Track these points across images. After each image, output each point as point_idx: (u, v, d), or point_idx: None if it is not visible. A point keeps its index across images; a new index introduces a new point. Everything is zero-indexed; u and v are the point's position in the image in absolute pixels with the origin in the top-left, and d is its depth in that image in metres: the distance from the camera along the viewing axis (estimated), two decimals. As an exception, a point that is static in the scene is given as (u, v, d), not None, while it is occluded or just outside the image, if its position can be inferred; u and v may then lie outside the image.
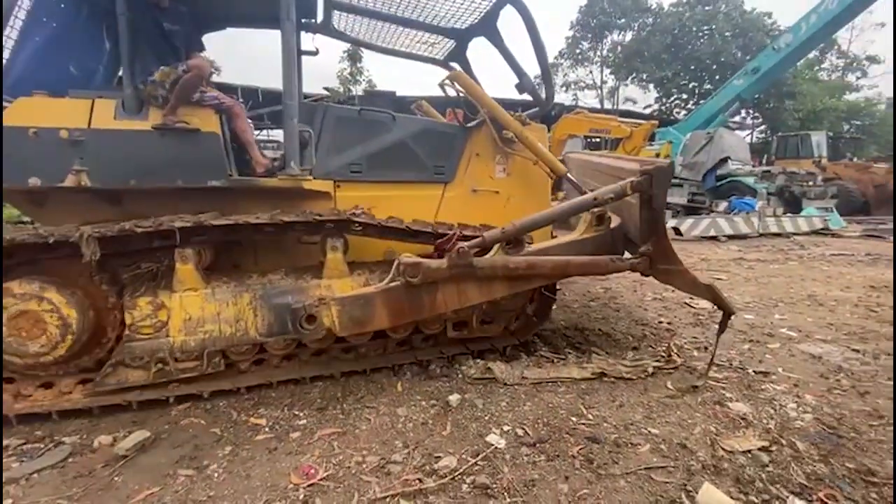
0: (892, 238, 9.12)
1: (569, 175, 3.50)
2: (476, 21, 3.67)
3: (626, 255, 2.92)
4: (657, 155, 12.49)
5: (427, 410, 2.51)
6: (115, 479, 1.99)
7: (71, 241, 2.27)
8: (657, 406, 2.52)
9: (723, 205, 11.07)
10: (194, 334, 2.58)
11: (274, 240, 2.86)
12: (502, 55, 3.82)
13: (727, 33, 24.51)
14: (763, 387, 2.75)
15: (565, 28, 30.50)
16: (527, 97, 3.78)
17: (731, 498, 1.78)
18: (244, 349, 2.74)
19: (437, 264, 2.58)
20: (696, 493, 1.80)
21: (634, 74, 28.87)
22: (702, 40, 25.52)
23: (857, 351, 3.32)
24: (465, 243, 2.61)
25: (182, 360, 2.61)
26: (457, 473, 1.96)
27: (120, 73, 3.24)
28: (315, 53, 3.68)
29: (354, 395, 2.69)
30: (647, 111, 27.05)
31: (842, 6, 12.29)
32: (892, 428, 2.30)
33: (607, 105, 29.94)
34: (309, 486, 1.90)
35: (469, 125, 3.49)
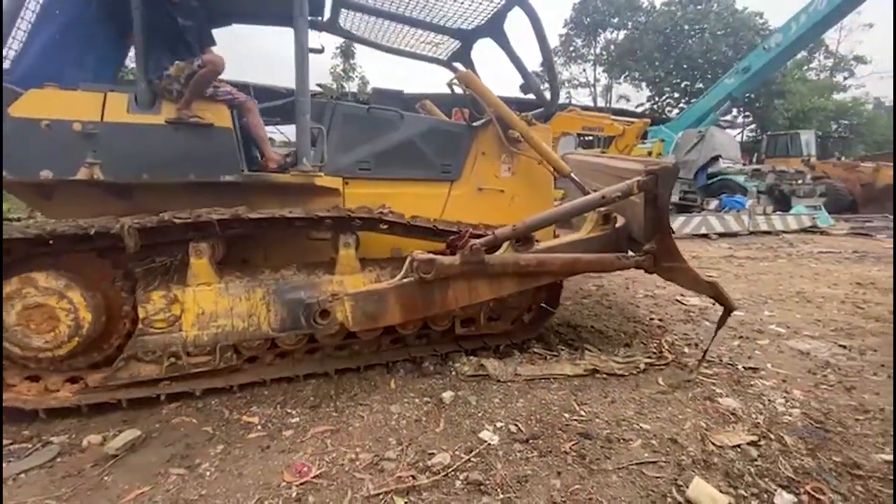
0: (878, 236, 9.27)
1: (572, 175, 3.52)
2: (483, 22, 3.68)
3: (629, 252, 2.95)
4: (649, 153, 12.58)
5: (420, 407, 2.52)
6: (105, 478, 1.97)
7: (112, 232, 2.29)
8: (649, 402, 2.55)
9: (714, 203, 11.18)
10: (207, 329, 2.58)
11: (284, 235, 2.85)
12: (508, 56, 3.84)
13: (719, 32, 24.68)
14: (752, 382, 2.78)
15: (559, 26, 30.44)
16: (523, 97, 3.80)
17: (721, 492, 1.80)
18: (256, 344, 2.76)
19: (450, 261, 2.62)
20: (687, 487, 1.83)
21: (627, 73, 28.98)
22: (693, 39, 25.67)
23: (844, 347, 3.37)
24: (477, 240, 2.64)
25: (195, 355, 2.62)
26: (450, 470, 1.96)
27: (123, 66, 3.22)
28: (321, 51, 3.68)
29: (347, 393, 2.69)
30: (640, 110, 27.19)
31: (831, 6, 12.43)
32: (877, 422, 2.34)
33: (600, 103, 30.06)
34: (302, 483, 1.89)
35: (475, 124, 3.51)
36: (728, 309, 2.88)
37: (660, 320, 4.01)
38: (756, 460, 2.02)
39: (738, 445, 2.12)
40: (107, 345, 2.62)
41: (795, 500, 1.78)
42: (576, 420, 2.37)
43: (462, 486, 1.88)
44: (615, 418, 2.38)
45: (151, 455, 2.13)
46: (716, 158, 12.64)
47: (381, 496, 1.82)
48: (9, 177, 2.44)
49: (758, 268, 6.29)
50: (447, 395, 2.60)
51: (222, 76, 2.85)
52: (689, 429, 2.28)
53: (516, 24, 3.72)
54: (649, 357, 3.09)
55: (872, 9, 26.62)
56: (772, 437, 2.20)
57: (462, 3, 3.43)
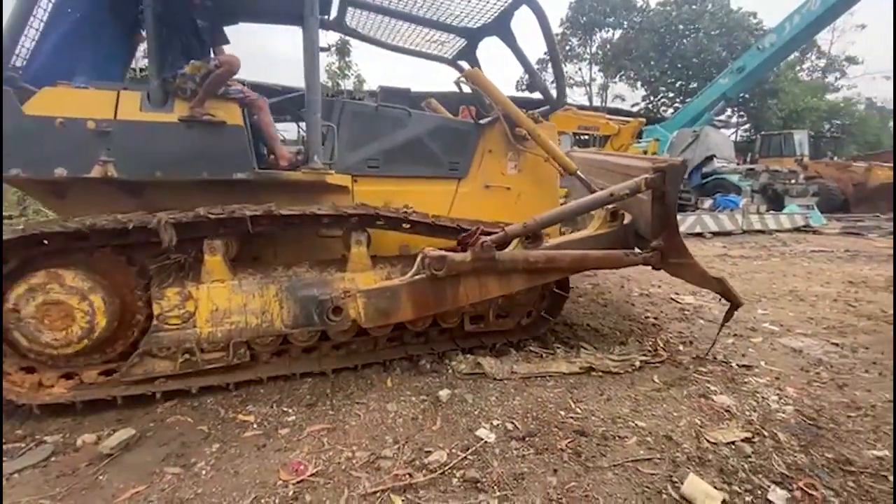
0: (870, 235, 9.37)
1: (578, 172, 3.54)
2: (489, 21, 3.69)
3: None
4: (644, 152, 12.63)
5: (417, 406, 2.52)
6: (100, 477, 1.96)
7: (149, 227, 2.33)
8: (644, 399, 2.57)
9: (708, 202, 11.25)
10: (221, 325, 2.61)
11: (296, 233, 2.87)
12: (514, 54, 3.86)
13: (713, 32, 24.81)
14: (746, 380, 2.81)
15: (555, 25, 30.46)
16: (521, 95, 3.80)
17: (715, 488, 1.82)
18: (269, 341, 2.78)
19: (461, 257, 2.64)
20: (682, 484, 1.84)
21: (623, 72, 29.05)
22: (688, 39, 25.79)
23: (836, 345, 3.41)
24: (488, 237, 2.67)
25: (208, 351, 2.63)
26: (447, 468, 1.97)
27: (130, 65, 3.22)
28: (327, 50, 3.68)
29: (344, 391, 2.69)
30: (635, 109, 27.29)
31: (824, 7, 12.54)
32: (868, 419, 2.37)
33: (596, 102, 30.12)
34: (298, 482, 1.89)
35: (482, 122, 3.52)
36: (735, 305, 2.93)
37: (655, 318, 4.03)
38: (750, 457, 2.04)
39: (733, 442, 2.14)
40: (110, 349, 2.62)
41: (789, 495, 1.80)
42: (572, 418, 2.38)
43: (459, 484, 1.88)
44: (611, 416, 2.39)
45: (146, 454, 2.12)
46: (710, 158, 12.73)
47: (377, 494, 1.82)
48: (23, 174, 2.44)
49: (751, 266, 6.34)
50: (444, 394, 2.60)
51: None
52: (683, 426, 2.30)
53: (515, 23, 3.73)
54: (644, 355, 3.11)
55: (865, 10, 26.86)
56: (765, 433, 2.22)
57: (469, 1, 3.43)
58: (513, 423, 2.33)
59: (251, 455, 2.10)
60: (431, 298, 2.66)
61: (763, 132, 19.56)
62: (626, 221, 3.03)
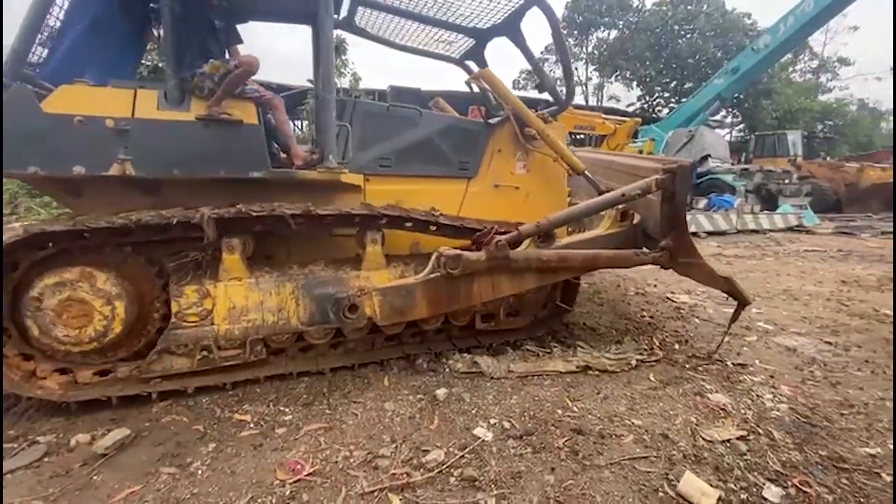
0: (862, 235, 9.46)
1: (586, 173, 3.56)
2: (499, 21, 3.69)
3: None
4: (640, 152, 12.68)
5: (414, 405, 2.52)
6: (94, 478, 1.94)
7: (193, 222, 2.38)
8: (640, 398, 2.58)
9: (703, 202, 11.32)
10: (238, 323, 2.63)
11: (309, 231, 2.88)
12: (524, 55, 3.88)
13: (708, 33, 24.94)
14: (741, 378, 2.83)
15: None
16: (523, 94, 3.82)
17: (711, 486, 1.83)
18: (285, 338, 2.80)
19: (476, 256, 2.68)
20: (678, 481, 1.85)
21: (618, 72, 29.17)
22: (683, 39, 25.91)
23: (830, 343, 3.44)
24: (502, 236, 2.69)
25: (225, 348, 2.65)
26: (444, 466, 1.97)
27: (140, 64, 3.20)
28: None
29: (341, 391, 2.68)
30: (631, 109, 27.40)
31: (818, 8, 12.64)
32: (861, 417, 2.40)
33: (592, 102, 30.21)
34: (295, 481, 1.88)
35: (492, 122, 3.54)
36: (743, 303, 2.99)
37: (651, 317, 4.05)
38: (745, 454, 2.06)
39: (728, 440, 2.16)
40: (112, 354, 2.60)
41: (783, 493, 1.82)
42: (568, 416, 2.39)
43: (456, 483, 1.88)
44: (607, 414, 2.40)
45: (142, 454, 2.11)
46: (705, 158, 12.81)
47: (375, 493, 1.81)
48: (42, 172, 2.43)
49: (746, 266, 6.39)
50: (441, 393, 2.60)
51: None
52: (679, 424, 2.31)
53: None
54: (640, 354, 3.13)
55: (858, 12, 27.11)
56: (760, 431, 2.24)
57: (480, 2, 3.43)
58: (510, 421, 2.33)
59: (248, 455, 2.09)
60: (446, 296, 2.72)
61: (757, 132, 19.72)
62: (635, 221, 3.07)
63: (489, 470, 1.95)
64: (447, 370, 2.90)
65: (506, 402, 2.53)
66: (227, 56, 2.99)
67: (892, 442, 2.16)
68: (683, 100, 19.86)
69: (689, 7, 26.03)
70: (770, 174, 12.88)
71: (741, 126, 27.85)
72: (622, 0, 27.96)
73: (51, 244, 2.39)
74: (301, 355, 2.91)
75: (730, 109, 26.60)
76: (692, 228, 9.46)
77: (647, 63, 26.79)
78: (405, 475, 1.92)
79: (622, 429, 2.27)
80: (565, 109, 3.92)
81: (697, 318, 4.05)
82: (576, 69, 32.34)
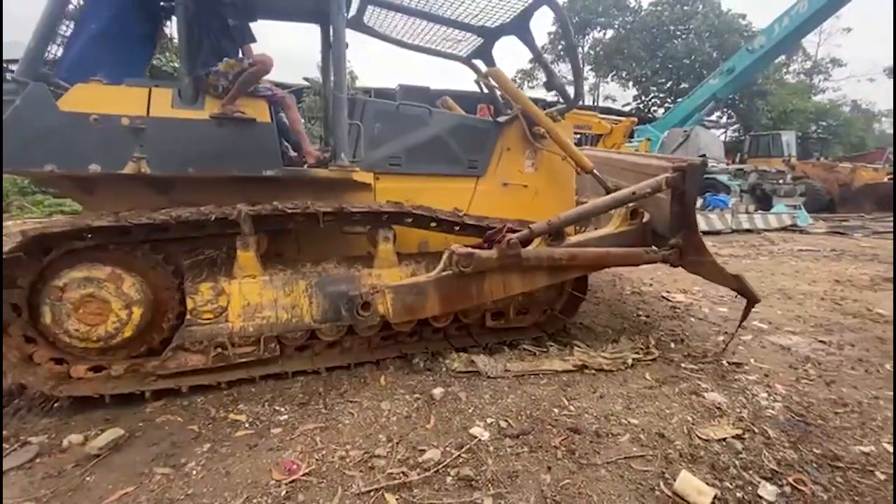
0: (855, 235, 9.54)
1: (595, 171, 3.57)
2: (507, 20, 3.70)
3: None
4: (636, 151, 12.72)
5: (411, 404, 2.51)
6: (87, 479, 1.92)
7: (231, 219, 2.44)
8: (636, 397, 2.58)
9: (698, 201, 11.37)
10: (252, 320, 2.65)
11: (320, 229, 2.89)
12: (532, 54, 3.90)
13: (704, 34, 25.04)
14: (736, 377, 2.84)
15: (548, 23, 30.51)
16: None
17: (707, 484, 1.84)
18: (298, 335, 2.83)
19: (488, 254, 2.69)
20: (674, 480, 1.86)
21: (615, 72, 29.22)
22: (679, 40, 25.99)
23: (824, 342, 3.47)
24: (514, 235, 2.71)
25: (240, 345, 2.67)
26: (441, 466, 1.96)
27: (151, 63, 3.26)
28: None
29: (337, 390, 2.67)
30: (626, 108, 27.48)
31: (812, 9, 12.71)
32: (855, 415, 2.41)
33: (588, 101, 30.25)
34: (291, 481, 1.87)
35: (500, 120, 3.55)
36: (752, 301, 3.02)
37: (646, 317, 4.06)
38: (741, 453, 2.07)
39: (724, 439, 2.17)
40: (110, 354, 2.59)
41: (779, 491, 1.83)
42: (565, 415, 2.39)
43: (453, 482, 1.88)
44: (604, 413, 2.40)
45: (135, 454, 2.08)
46: (701, 158, 12.85)
47: (371, 493, 1.81)
48: (58, 170, 2.44)
49: (740, 265, 6.42)
50: (437, 392, 2.60)
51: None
52: (675, 423, 2.32)
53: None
54: (637, 353, 3.13)
55: (851, 13, 27.34)
56: (756, 430, 2.25)
57: (489, 1, 3.43)
58: (507, 421, 2.33)
59: (243, 455, 2.07)
60: (457, 294, 2.73)
61: (752, 132, 19.82)
62: (645, 220, 3.09)
63: (486, 469, 1.95)
64: (444, 369, 2.89)
65: (502, 402, 2.53)
66: (240, 55, 3.01)
67: (886, 440, 2.18)
68: (679, 100, 19.90)
69: (686, 7, 26.12)
70: (765, 174, 12.96)
71: (736, 126, 27.98)
72: (619, 0, 28.02)
73: (89, 236, 2.42)
74: (297, 354, 2.89)
75: (725, 110, 26.72)
76: (687, 228, 9.53)
77: (643, 63, 26.83)
78: (402, 475, 1.91)
79: (618, 428, 2.27)
80: (574, 108, 3.93)
81: (693, 317, 4.07)
82: (570, 70, 32.46)
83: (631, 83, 29.22)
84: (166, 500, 1.79)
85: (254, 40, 3.23)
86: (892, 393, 2.64)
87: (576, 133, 11.81)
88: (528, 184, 3.56)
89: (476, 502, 1.77)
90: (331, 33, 2.93)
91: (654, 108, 28.03)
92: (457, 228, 2.93)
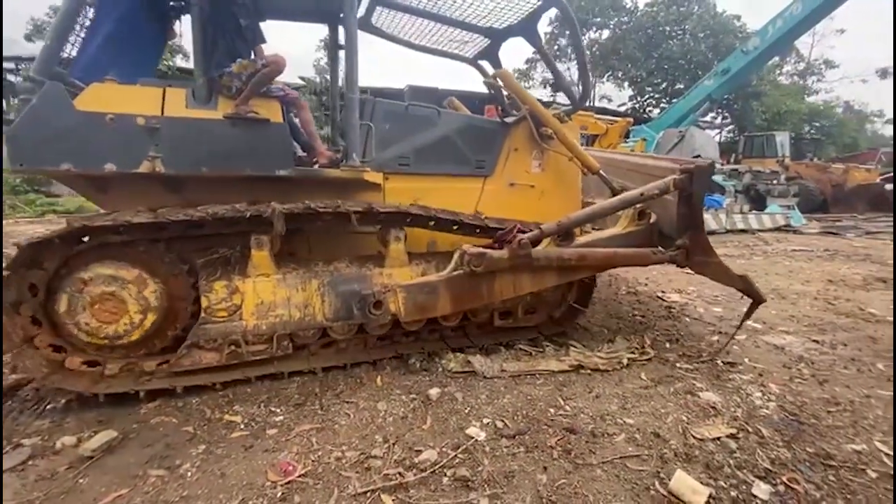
0: (847, 235, 9.62)
1: (601, 172, 3.60)
2: (515, 22, 3.71)
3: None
4: (632, 151, 12.77)
5: (407, 404, 2.51)
6: (80, 481, 1.90)
7: (265, 216, 2.49)
8: (632, 396, 2.59)
9: (693, 202, 11.42)
10: (266, 318, 2.68)
11: (330, 229, 2.92)
12: (540, 55, 3.96)
13: (700, 34, 25.17)
14: (731, 377, 2.86)
15: (544, 24, 30.57)
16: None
17: (702, 484, 1.85)
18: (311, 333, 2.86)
19: (499, 254, 2.71)
20: (669, 480, 1.86)
21: (610, 72, 29.31)
22: (674, 40, 26.12)
23: (817, 342, 3.49)
24: (524, 235, 2.74)
25: (253, 343, 2.70)
26: (437, 466, 1.96)
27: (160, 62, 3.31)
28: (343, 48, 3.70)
29: (333, 391, 2.66)
30: (622, 109, 27.57)
31: (806, 11, 12.80)
32: (847, 414, 2.43)
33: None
34: (287, 483, 1.86)
35: (508, 121, 3.57)
36: (757, 301, 3.06)
37: (642, 316, 4.08)
38: (735, 452, 2.08)
39: (718, 438, 2.18)
40: (108, 352, 2.58)
41: (772, 490, 1.84)
42: (561, 415, 2.39)
43: (449, 483, 1.88)
44: (599, 413, 2.41)
45: (129, 456, 2.07)
46: (696, 158, 12.92)
47: (367, 494, 1.80)
48: (74, 169, 2.46)
49: (735, 265, 6.37)
50: (434, 392, 2.60)
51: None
52: (671, 423, 2.33)
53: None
54: (632, 353, 3.15)
55: (844, 15, 27.59)
56: (750, 429, 2.26)
57: (497, 2, 3.44)
58: (503, 421, 2.34)
59: (238, 456, 2.06)
60: (468, 294, 2.77)
61: (746, 133, 19.97)
62: (652, 220, 3.12)
63: (482, 470, 1.95)
64: (440, 370, 2.89)
65: (499, 402, 2.53)
66: (252, 55, 3.03)
67: (877, 438, 2.20)
68: (674, 100, 20.01)
69: (681, 9, 26.24)
70: (759, 174, 13.07)
71: (731, 127, 28.16)
72: (615, 0, 28.10)
73: (122, 231, 2.46)
74: (293, 354, 2.88)
75: (719, 110, 26.89)
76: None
77: (639, 63, 26.93)
78: (398, 475, 1.91)
79: (614, 427, 2.28)
80: (580, 109, 3.98)
81: (688, 316, 4.09)
82: (567, 69, 32.58)
83: (627, 83, 29.33)
84: (161, 502, 1.78)
85: (265, 41, 3.25)
86: (883, 392, 2.67)
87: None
88: (534, 184, 3.59)
89: (472, 503, 1.77)
90: (340, 34, 3.00)
91: (650, 108, 28.15)
92: (478, 231, 2.99)
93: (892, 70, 30.01)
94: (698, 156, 12.89)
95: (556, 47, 31.11)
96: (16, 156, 2.39)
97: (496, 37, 3.98)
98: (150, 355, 2.64)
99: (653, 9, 26.86)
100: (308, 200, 2.68)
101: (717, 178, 12.59)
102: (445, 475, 1.92)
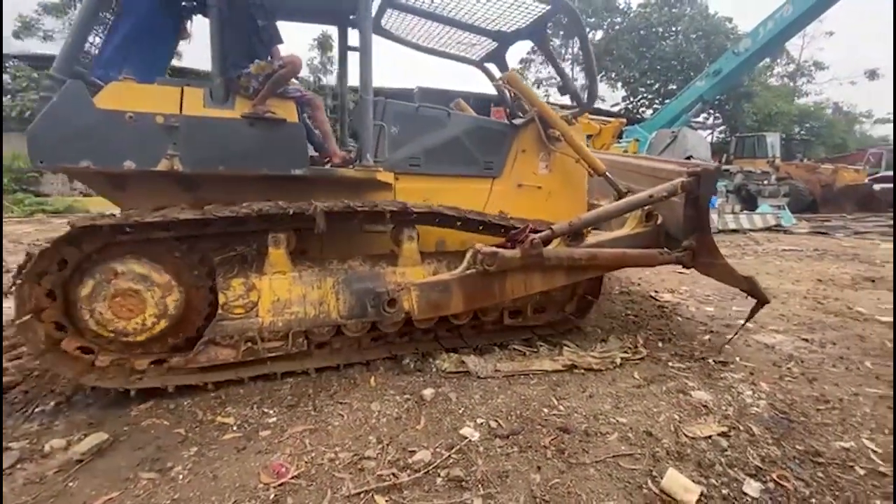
0: (836, 234, 9.75)
1: (607, 174, 3.63)
2: (523, 26, 3.73)
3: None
4: (625, 151, 12.85)
5: (401, 405, 2.50)
6: (70, 484, 1.88)
7: (307, 214, 2.56)
8: (625, 396, 2.61)
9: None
10: (282, 315, 2.71)
11: (345, 227, 2.94)
12: (547, 58, 4.08)
13: (692, 35, 25.37)
14: (722, 375, 2.89)
15: (537, 24, 30.64)
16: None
17: (694, 482, 1.86)
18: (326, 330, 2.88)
19: (512, 254, 2.76)
20: (662, 478, 1.88)
21: (604, 73, 29.47)
22: (667, 41, 26.31)
23: (807, 340, 3.54)
24: (536, 235, 2.78)
25: (269, 340, 2.73)
26: (431, 467, 1.96)
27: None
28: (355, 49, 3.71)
29: (326, 391, 2.65)
30: (615, 109, 27.73)
31: (797, 13, 12.96)
32: (836, 412, 2.47)
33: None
34: (280, 485, 1.85)
35: (516, 122, 3.60)
36: (761, 302, 3.12)
37: (635, 316, 4.11)
38: (726, 450, 2.10)
39: (710, 436, 2.20)
40: (106, 344, 2.57)
41: (763, 487, 1.86)
42: (555, 415, 2.40)
43: (443, 483, 1.88)
44: (593, 412, 2.43)
45: (120, 459, 2.05)
46: (688, 158, 13.02)
47: (361, 495, 1.80)
48: (94, 166, 2.49)
49: (726, 265, 6.52)
50: (428, 392, 2.59)
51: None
52: (663, 421, 2.35)
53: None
54: (625, 352, 3.17)
55: (833, 17, 27.97)
56: (741, 427, 2.29)
57: (506, 6, 3.46)
58: (497, 421, 2.34)
59: (230, 458, 2.05)
60: (480, 292, 2.81)
61: (738, 134, 20.17)
62: (658, 222, 3.18)
63: (476, 470, 1.95)
64: (434, 370, 2.89)
65: (493, 402, 2.53)
66: (269, 56, 3.05)
67: (865, 436, 2.23)
68: (667, 101, 20.17)
69: (674, 10, 26.44)
70: (750, 175, 13.21)
71: (722, 128, 28.44)
72: (608, 1, 28.24)
73: (170, 229, 2.52)
74: (301, 353, 2.89)
75: (711, 111, 27.14)
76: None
77: (632, 64, 27.13)
78: (392, 476, 1.90)
79: (607, 427, 2.30)
80: (586, 111, 4.04)
81: (680, 316, 4.13)
82: (562, 69, 32.62)
83: (620, 84, 29.51)
84: (152, 505, 1.76)
85: (281, 41, 3.26)
86: (871, 389, 2.71)
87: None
88: (542, 185, 3.64)
89: (466, 503, 1.77)
90: (349, 35, 3.10)
91: (643, 108, 28.33)
92: (502, 231, 3.03)
93: (880, 72, 30.48)
94: (690, 156, 12.99)
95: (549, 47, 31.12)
96: (36, 153, 2.42)
97: (504, 40, 4.01)
98: (144, 355, 2.63)
99: (646, 10, 27.05)
100: (314, 200, 2.70)
101: (709, 178, 12.66)
102: (439, 475, 1.92)
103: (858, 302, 4.56)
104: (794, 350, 3.35)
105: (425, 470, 1.94)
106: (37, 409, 2.43)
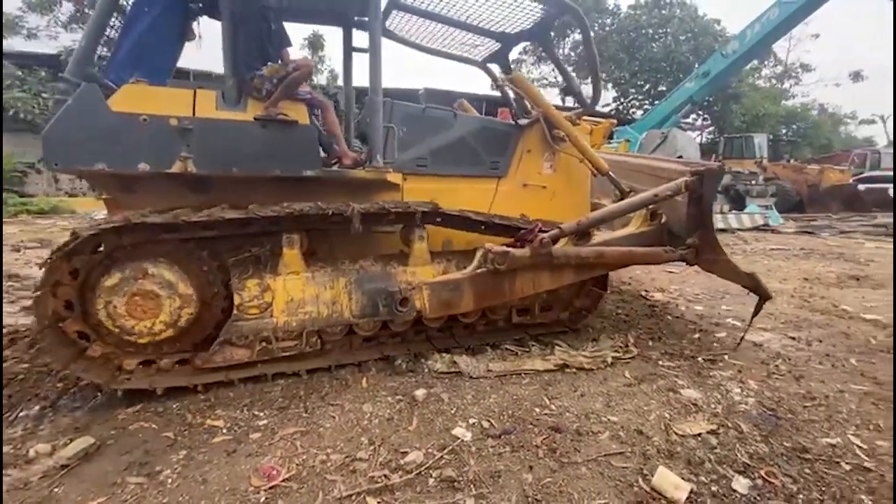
0: (822, 234, 9.91)
1: (610, 174, 3.66)
2: (528, 27, 3.75)
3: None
4: (615, 152, 12.95)
5: (393, 406, 2.50)
6: (55, 490, 1.85)
7: (345, 215, 2.60)
8: (616, 395, 2.63)
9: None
10: (296, 315, 2.74)
11: (353, 228, 2.93)
12: (551, 60, 4.12)
13: (681, 37, 25.64)
14: (711, 374, 2.92)
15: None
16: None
17: (684, 479, 1.88)
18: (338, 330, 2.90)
19: (521, 253, 2.79)
20: (652, 476, 1.89)
21: (594, 74, 29.64)
22: (657, 43, 26.55)
23: (793, 338, 3.59)
24: (545, 234, 2.83)
25: (283, 340, 2.75)
26: (423, 468, 1.96)
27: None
28: (366, 50, 3.69)
29: (318, 393, 2.63)
30: (606, 110, 27.92)
31: (783, 16, 13.15)
32: (822, 408, 2.51)
33: (568, 102, 30.63)
34: (270, 488, 1.84)
35: (522, 123, 3.63)
36: (764, 298, 3.20)
37: (626, 315, 4.14)
38: (715, 448, 2.12)
39: (699, 434, 2.22)
40: (105, 337, 2.56)
41: (751, 484, 1.88)
42: (546, 414, 2.41)
43: (435, 484, 1.88)
44: (584, 411, 2.44)
45: (107, 464, 2.02)
46: (678, 159, 13.17)
47: (353, 497, 1.79)
48: (108, 168, 2.50)
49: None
50: (420, 393, 2.59)
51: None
52: (653, 420, 2.37)
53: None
54: (616, 351, 3.19)
55: (818, 20, 28.47)
56: (729, 425, 2.32)
57: (510, 7, 3.47)
58: (489, 421, 2.34)
59: (220, 461, 2.03)
60: (491, 291, 2.85)
61: (726, 135, 20.40)
62: (663, 220, 3.23)
63: (468, 470, 1.95)
64: (426, 370, 2.89)
65: (485, 402, 2.54)
66: (279, 58, 3.06)
67: (851, 432, 2.27)
68: (657, 102, 20.35)
69: (663, 12, 26.69)
70: (738, 175, 13.36)
71: (711, 128, 28.77)
72: (598, 3, 28.42)
73: (214, 227, 2.53)
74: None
75: (700, 112, 27.44)
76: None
77: (622, 65, 27.32)
78: (383, 478, 1.90)
79: (598, 426, 2.31)
80: (590, 111, 4.11)
81: (670, 315, 4.17)
82: (552, 70, 32.82)
83: (610, 85, 29.69)
84: (140, 510, 1.74)
85: (290, 44, 3.26)
86: (856, 386, 2.76)
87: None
88: (546, 185, 3.68)
89: (458, 503, 1.77)
90: (354, 37, 3.19)
91: (633, 109, 28.56)
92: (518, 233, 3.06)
93: (864, 73, 31.05)
94: (680, 156, 13.14)
95: (540, 49, 31.32)
96: (51, 156, 2.44)
97: (508, 41, 4.04)
98: (133, 355, 2.60)
99: (636, 11, 27.26)
100: (319, 201, 2.72)
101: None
102: (431, 476, 1.92)
103: (844, 300, 4.64)
104: (781, 348, 3.40)
105: (417, 471, 1.94)
106: (21, 414, 2.39)
